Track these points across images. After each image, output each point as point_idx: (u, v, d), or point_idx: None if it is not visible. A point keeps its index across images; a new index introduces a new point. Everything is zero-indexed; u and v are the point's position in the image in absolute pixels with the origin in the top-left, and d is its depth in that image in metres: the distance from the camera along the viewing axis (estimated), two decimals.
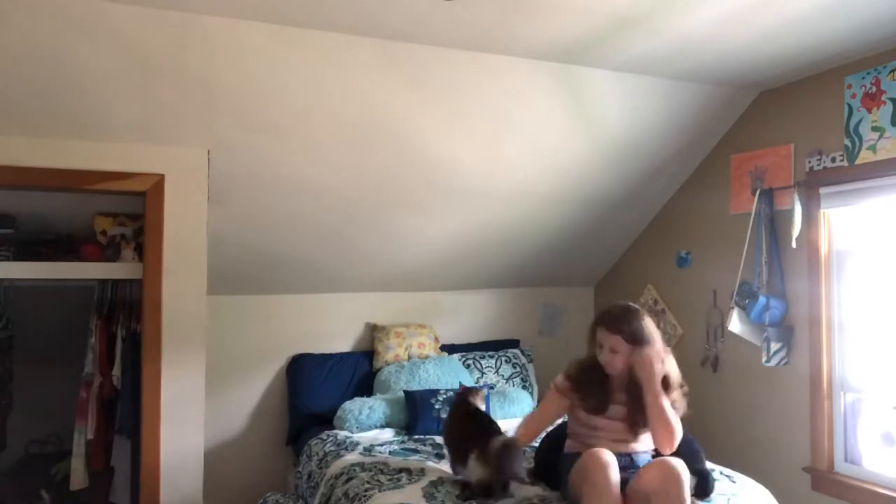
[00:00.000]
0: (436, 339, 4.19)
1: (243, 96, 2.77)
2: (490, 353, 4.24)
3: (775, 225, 3.33)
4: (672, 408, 2.45)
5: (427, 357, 4.01)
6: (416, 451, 3.15)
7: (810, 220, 3.18)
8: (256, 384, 3.90)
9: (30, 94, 2.58)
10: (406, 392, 3.65)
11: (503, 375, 4.15)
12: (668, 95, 3.33)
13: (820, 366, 3.14)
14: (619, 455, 2.37)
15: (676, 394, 2.52)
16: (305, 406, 3.78)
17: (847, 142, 3.01)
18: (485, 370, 4.13)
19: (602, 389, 2.53)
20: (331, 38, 2.62)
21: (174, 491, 2.95)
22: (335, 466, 3.00)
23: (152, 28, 2.43)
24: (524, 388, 4.14)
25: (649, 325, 2.54)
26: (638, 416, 2.47)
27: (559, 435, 2.75)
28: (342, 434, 3.44)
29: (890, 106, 2.84)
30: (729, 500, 2.54)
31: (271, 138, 2.99)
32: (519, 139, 3.36)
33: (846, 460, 3.08)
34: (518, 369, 4.22)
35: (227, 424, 3.81)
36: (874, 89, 2.90)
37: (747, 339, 3.36)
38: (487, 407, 3.63)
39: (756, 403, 3.48)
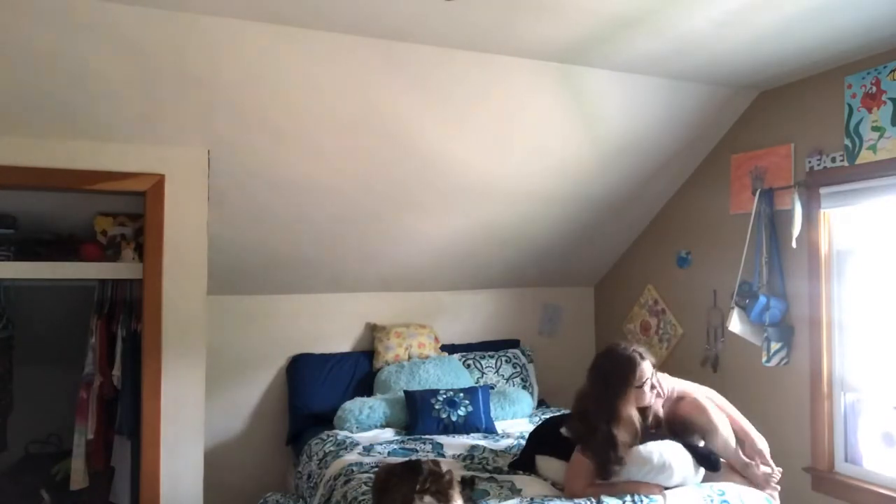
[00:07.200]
0: (436, 339, 4.19)
1: (243, 96, 2.77)
2: (490, 353, 4.24)
3: (775, 225, 3.33)
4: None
5: (427, 357, 4.01)
6: (415, 451, 3.15)
7: (810, 220, 3.18)
8: (256, 384, 3.91)
9: (30, 94, 2.58)
10: (406, 392, 3.65)
11: (503, 375, 4.15)
12: (668, 95, 3.33)
13: (820, 366, 3.15)
14: None
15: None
16: (305, 406, 3.78)
17: (847, 142, 3.01)
18: (485, 370, 4.13)
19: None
20: (331, 38, 2.62)
21: (174, 491, 2.95)
22: (335, 467, 3.00)
23: (152, 28, 2.42)
24: (524, 388, 4.14)
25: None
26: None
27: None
28: (342, 434, 3.44)
29: (890, 106, 2.84)
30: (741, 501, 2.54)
31: (271, 138, 2.99)
32: (519, 139, 3.36)
33: (846, 460, 3.08)
34: (518, 369, 4.21)
35: (227, 424, 3.81)
36: (874, 89, 2.90)
37: (747, 339, 3.36)
38: (487, 410, 3.63)
39: (756, 403, 3.47)
